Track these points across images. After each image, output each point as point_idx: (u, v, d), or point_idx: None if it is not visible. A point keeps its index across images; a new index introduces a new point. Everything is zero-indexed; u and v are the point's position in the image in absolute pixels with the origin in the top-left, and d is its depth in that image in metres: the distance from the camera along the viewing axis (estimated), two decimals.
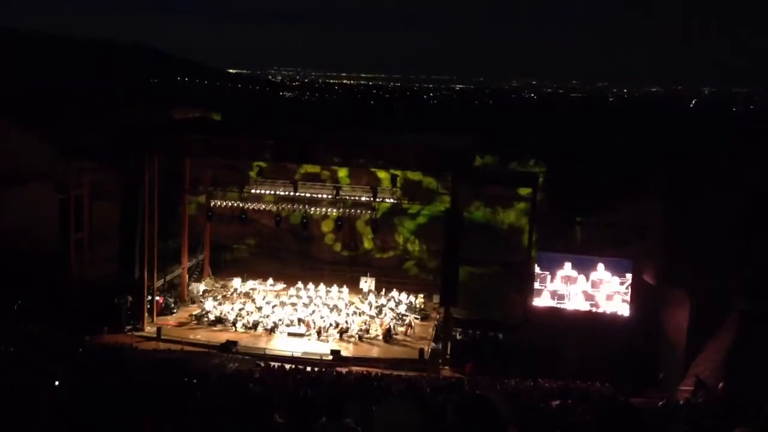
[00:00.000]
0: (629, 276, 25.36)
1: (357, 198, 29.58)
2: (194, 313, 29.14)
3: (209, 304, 29.34)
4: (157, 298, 28.99)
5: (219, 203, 30.98)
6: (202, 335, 27.24)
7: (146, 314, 27.96)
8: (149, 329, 27.57)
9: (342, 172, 32.41)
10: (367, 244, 34.52)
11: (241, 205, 30.61)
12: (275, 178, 30.48)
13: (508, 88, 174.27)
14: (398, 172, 30.24)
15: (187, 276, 31.68)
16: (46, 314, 24.87)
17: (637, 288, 25.33)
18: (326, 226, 33.99)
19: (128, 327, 27.45)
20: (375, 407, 6.65)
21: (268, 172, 30.66)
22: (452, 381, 21.48)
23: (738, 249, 22.61)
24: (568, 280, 26.05)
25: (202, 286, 31.78)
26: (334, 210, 30.03)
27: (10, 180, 26.95)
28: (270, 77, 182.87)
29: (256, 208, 31.00)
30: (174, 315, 29.50)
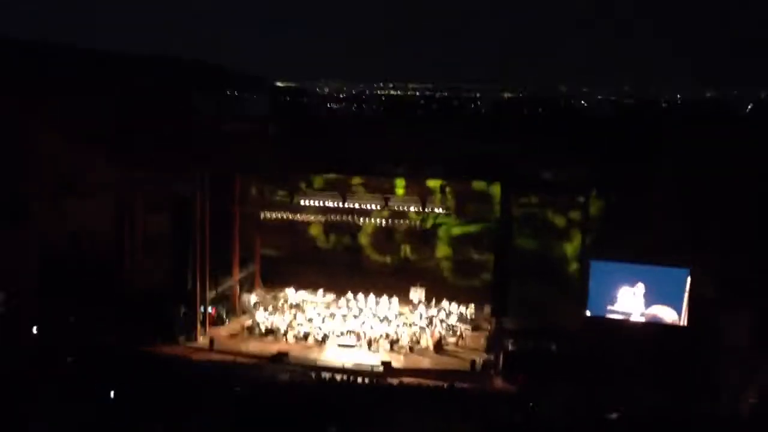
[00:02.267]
0: (687, 284, 24.74)
1: (406, 208, 29.51)
2: (246, 324, 29.36)
3: (260, 315, 29.54)
4: (210, 309, 29.27)
5: (269, 215, 31.18)
6: (253, 346, 27.40)
7: (199, 325, 28.24)
8: (202, 340, 27.84)
9: (400, 184, 31.99)
10: (416, 255, 34.34)
11: (290, 216, 30.80)
12: (329, 189, 30.61)
13: (558, 95, 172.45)
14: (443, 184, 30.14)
15: (238, 287, 31.94)
16: (101, 325, 25.29)
17: (695, 296, 24.67)
18: (375, 237, 33.89)
19: (182, 338, 27.76)
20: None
21: (320, 184, 30.82)
22: (504, 394, 21.19)
23: None
24: (622, 289, 25.52)
25: (253, 297, 32.01)
26: (384, 221, 29.99)
27: (68, 190, 27.55)
28: (318, 89, 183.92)
29: (305, 219, 31.14)
30: (226, 326, 29.75)
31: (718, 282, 24.57)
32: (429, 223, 30.85)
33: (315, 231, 33.84)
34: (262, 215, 31.43)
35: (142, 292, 28.45)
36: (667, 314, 25.04)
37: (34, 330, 25.58)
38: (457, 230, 33.68)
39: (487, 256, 31.38)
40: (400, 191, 31.50)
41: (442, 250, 33.97)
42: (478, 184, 31.52)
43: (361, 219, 30.16)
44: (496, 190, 29.21)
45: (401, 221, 29.85)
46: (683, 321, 24.78)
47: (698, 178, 27.39)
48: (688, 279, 24.74)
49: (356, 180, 32.01)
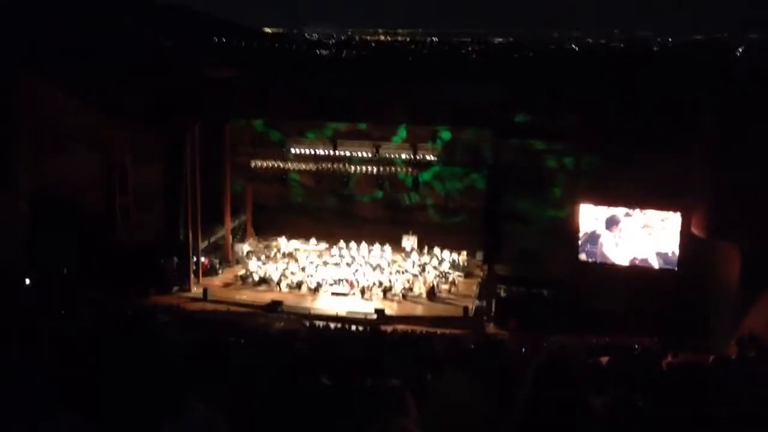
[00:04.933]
0: (677, 229, 24.86)
1: (397, 156, 29.38)
2: (239, 273, 29.45)
3: (253, 264, 29.61)
4: (203, 259, 29.32)
5: (259, 164, 31.02)
6: (247, 295, 27.55)
7: (192, 275, 28.31)
8: (196, 290, 27.94)
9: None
10: (408, 202, 34.27)
11: (281, 165, 30.65)
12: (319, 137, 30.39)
13: (548, 39, 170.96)
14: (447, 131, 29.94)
15: (230, 237, 31.93)
16: (94, 278, 25.30)
17: (685, 241, 24.81)
18: (367, 185, 33.75)
19: (175, 288, 27.85)
20: (430, 376, 6.59)
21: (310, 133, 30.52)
22: (497, 339, 21.41)
23: None
24: (613, 233, 25.64)
25: (246, 247, 32.04)
26: (375, 168, 29.84)
27: (54, 145, 27.22)
28: (306, 35, 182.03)
29: (296, 168, 31.00)
30: (219, 276, 29.85)
31: (709, 226, 24.66)
32: (418, 171, 30.70)
33: (306, 179, 33.66)
34: (252, 164, 31.23)
35: (136, 244, 28.43)
36: (658, 258, 25.21)
37: (27, 281, 25.60)
38: (447, 176, 33.58)
39: (477, 202, 31.36)
40: (397, 139, 31.08)
41: (433, 197, 33.91)
42: (468, 131, 31.29)
43: (353, 167, 29.99)
44: (486, 136, 29.01)
45: (392, 168, 29.71)
46: (674, 265, 24.97)
47: (691, 120, 27.26)
48: (679, 222, 24.85)
49: (345, 127, 31.62)
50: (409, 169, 29.83)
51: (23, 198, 27.02)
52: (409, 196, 33.63)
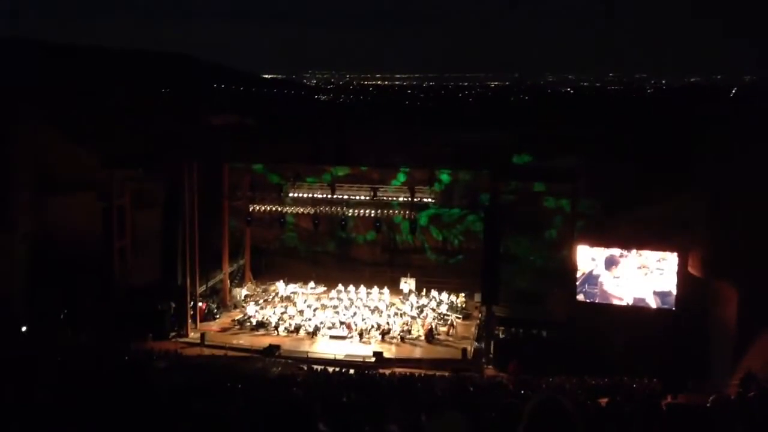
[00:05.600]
0: (675, 269, 24.88)
1: (395, 199, 29.47)
2: (237, 317, 29.35)
3: (251, 308, 29.52)
4: (200, 303, 29.23)
5: (258, 208, 31.12)
6: (245, 340, 27.40)
7: (190, 320, 28.20)
8: (193, 335, 27.81)
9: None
10: (405, 245, 34.34)
11: (279, 209, 30.76)
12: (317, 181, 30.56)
13: (544, 83, 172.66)
14: (446, 174, 30.18)
15: (228, 281, 31.89)
16: (92, 322, 25.23)
17: (683, 281, 24.82)
18: (365, 228, 33.83)
19: (172, 333, 27.72)
20: (424, 418, 6.54)
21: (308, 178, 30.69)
22: (496, 381, 21.27)
23: None
24: (611, 274, 25.64)
25: (244, 291, 31.99)
26: (372, 211, 29.90)
27: (53, 189, 27.37)
28: (305, 80, 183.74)
29: (294, 211, 31.11)
30: (217, 320, 29.74)
31: (706, 265, 24.70)
32: (421, 214, 30.84)
33: (304, 222, 33.75)
34: (251, 208, 31.33)
35: (134, 288, 28.39)
36: (656, 298, 25.17)
37: (23, 329, 25.47)
38: (444, 218, 33.71)
39: (475, 244, 31.42)
40: (396, 182, 31.21)
41: (430, 239, 34.00)
42: (466, 173, 31.49)
43: (350, 210, 30.06)
44: (483, 178, 29.18)
45: (389, 211, 29.80)
46: (672, 305, 24.93)
47: (686, 160, 27.46)
48: (677, 262, 24.88)
49: (343, 171, 31.79)
50: (407, 212, 29.92)
51: (22, 241, 27.07)
52: (406, 239, 33.73)
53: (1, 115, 27.42)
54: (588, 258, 25.97)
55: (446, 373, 22.76)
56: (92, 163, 28.43)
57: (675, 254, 24.99)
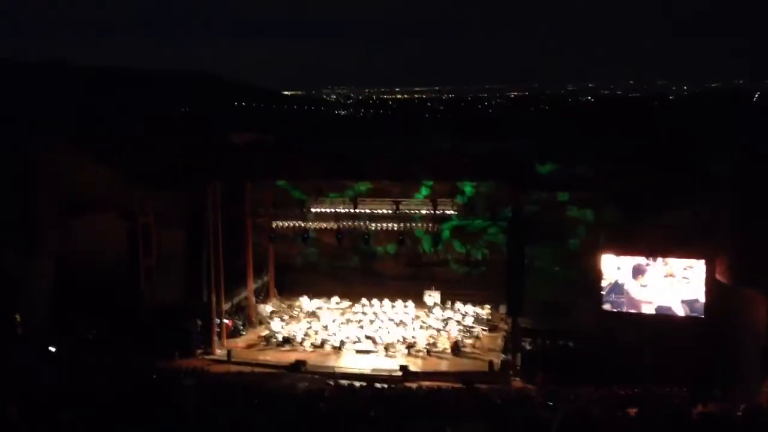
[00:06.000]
0: (702, 276, 24.62)
1: (417, 212, 29.43)
2: (263, 334, 29.44)
3: (276, 324, 29.61)
4: (226, 321, 29.35)
5: (281, 224, 31.23)
6: (271, 356, 27.46)
7: (216, 337, 28.32)
8: (219, 352, 27.90)
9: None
10: (429, 258, 34.26)
11: (302, 224, 30.84)
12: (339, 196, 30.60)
13: (564, 92, 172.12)
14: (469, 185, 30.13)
15: (253, 298, 32.02)
16: (118, 341, 25.40)
17: (711, 288, 24.54)
18: (388, 242, 33.80)
19: (199, 351, 27.84)
20: (449, 430, 6.52)
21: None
22: (524, 393, 21.12)
23: None
24: (637, 283, 25.43)
25: (269, 307, 32.10)
26: (395, 225, 29.87)
27: (79, 209, 27.69)
28: (325, 96, 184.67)
29: (317, 226, 31.17)
30: (243, 337, 29.85)
31: (733, 272, 24.40)
32: (440, 226, 30.76)
33: (327, 237, 33.80)
34: (274, 224, 31.45)
35: (160, 307, 28.57)
36: (684, 306, 24.92)
37: (52, 349, 25.70)
38: (467, 230, 33.56)
39: (498, 255, 31.27)
40: (419, 196, 31.15)
41: (454, 251, 33.87)
42: (488, 184, 31.35)
43: (373, 225, 30.04)
44: (506, 189, 29.07)
45: (412, 225, 29.76)
46: (701, 312, 24.65)
47: (711, 166, 27.21)
48: (704, 270, 24.62)
49: (365, 186, 31.80)
50: (430, 225, 29.88)
51: (48, 262, 27.37)
52: (430, 251, 33.66)
53: (26, 138, 27.81)
54: (613, 267, 25.78)
55: (474, 386, 22.63)
56: (116, 184, 28.72)
57: (702, 261, 24.73)
